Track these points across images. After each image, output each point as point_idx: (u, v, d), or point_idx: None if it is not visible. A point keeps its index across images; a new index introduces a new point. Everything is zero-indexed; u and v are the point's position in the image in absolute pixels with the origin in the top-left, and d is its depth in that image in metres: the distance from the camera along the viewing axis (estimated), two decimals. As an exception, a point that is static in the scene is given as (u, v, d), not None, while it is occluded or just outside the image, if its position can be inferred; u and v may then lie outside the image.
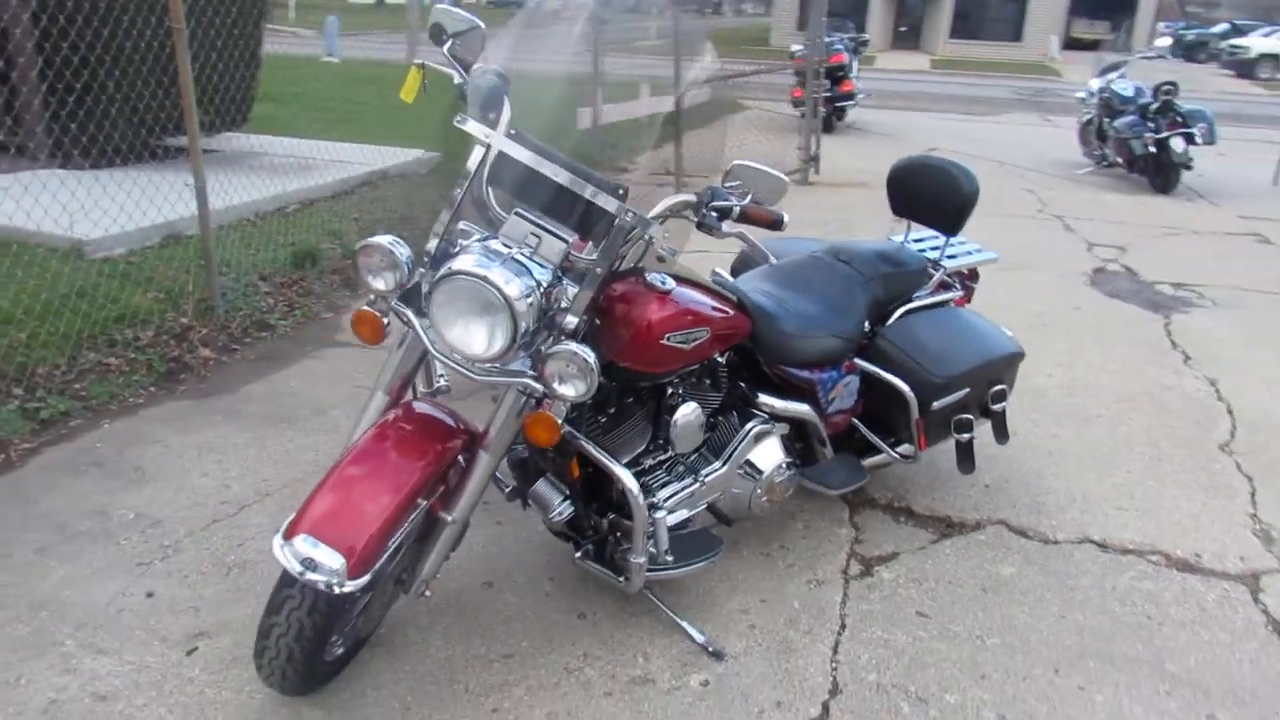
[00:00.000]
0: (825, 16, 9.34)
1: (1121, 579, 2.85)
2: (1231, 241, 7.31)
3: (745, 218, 2.21)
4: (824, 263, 2.93)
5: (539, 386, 2.07)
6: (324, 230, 5.72)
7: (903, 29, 34.94)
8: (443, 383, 2.62)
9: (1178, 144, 8.82)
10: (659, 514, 2.30)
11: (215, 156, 6.88)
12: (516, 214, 2.17)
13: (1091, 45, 39.29)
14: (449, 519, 2.17)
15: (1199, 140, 8.78)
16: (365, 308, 2.16)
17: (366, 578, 1.95)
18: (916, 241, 3.28)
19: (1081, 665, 2.47)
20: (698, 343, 2.33)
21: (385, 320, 2.16)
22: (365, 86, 12.69)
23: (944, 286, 3.13)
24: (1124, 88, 9.83)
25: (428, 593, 2.26)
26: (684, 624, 2.53)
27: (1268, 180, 9.87)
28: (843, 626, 2.60)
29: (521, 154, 2.09)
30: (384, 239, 2.07)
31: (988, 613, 2.67)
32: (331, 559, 1.90)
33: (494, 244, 2.09)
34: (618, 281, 2.23)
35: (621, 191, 2.07)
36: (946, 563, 2.91)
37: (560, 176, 2.06)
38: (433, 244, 2.14)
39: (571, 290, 2.12)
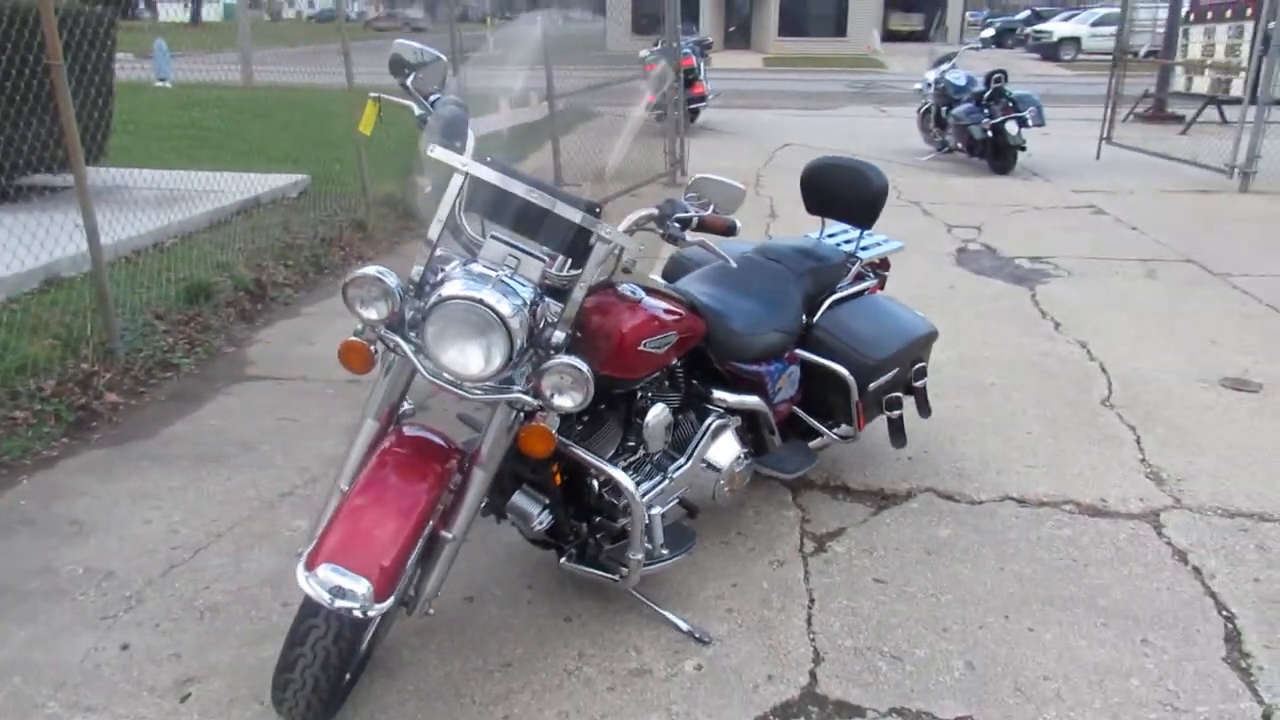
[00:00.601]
0: (679, 23, 9.60)
1: (1043, 529, 3.15)
2: (1071, 215, 7.97)
3: (703, 226, 2.36)
4: (756, 262, 3.11)
5: (532, 400, 2.16)
6: (210, 263, 5.55)
7: (731, 29, 36.03)
8: (408, 406, 2.67)
9: (1012, 127, 9.52)
10: (654, 510, 2.42)
11: (73, 194, 6.54)
12: (493, 237, 2.25)
13: (908, 37, 41.57)
14: (449, 537, 2.23)
15: (1030, 123, 9.50)
16: (353, 338, 2.20)
17: (391, 599, 2.01)
18: (830, 236, 3.50)
19: (1026, 610, 2.73)
20: (668, 347, 2.47)
21: (373, 349, 2.21)
22: (208, 111, 12.21)
23: (859, 277, 3.36)
24: (957, 77, 10.52)
25: (431, 610, 2.32)
26: (668, 614, 2.66)
27: (1091, 156, 10.75)
28: (811, 600, 2.78)
29: (498, 179, 2.17)
30: (373, 269, 2.12)
31: (936, 572, 2.91)
32: (358, 584, 1.94)
33: (476, 268, 2.17)
34: (591, 294, 2.33)
35: (597, 209, 2.18)
36: (889, 531, 3.14)
37: (538, 198, 2.15)
38: (417, 271, 2.20)
39: (554, 306, 2.22)
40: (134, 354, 4.41)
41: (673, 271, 3.32)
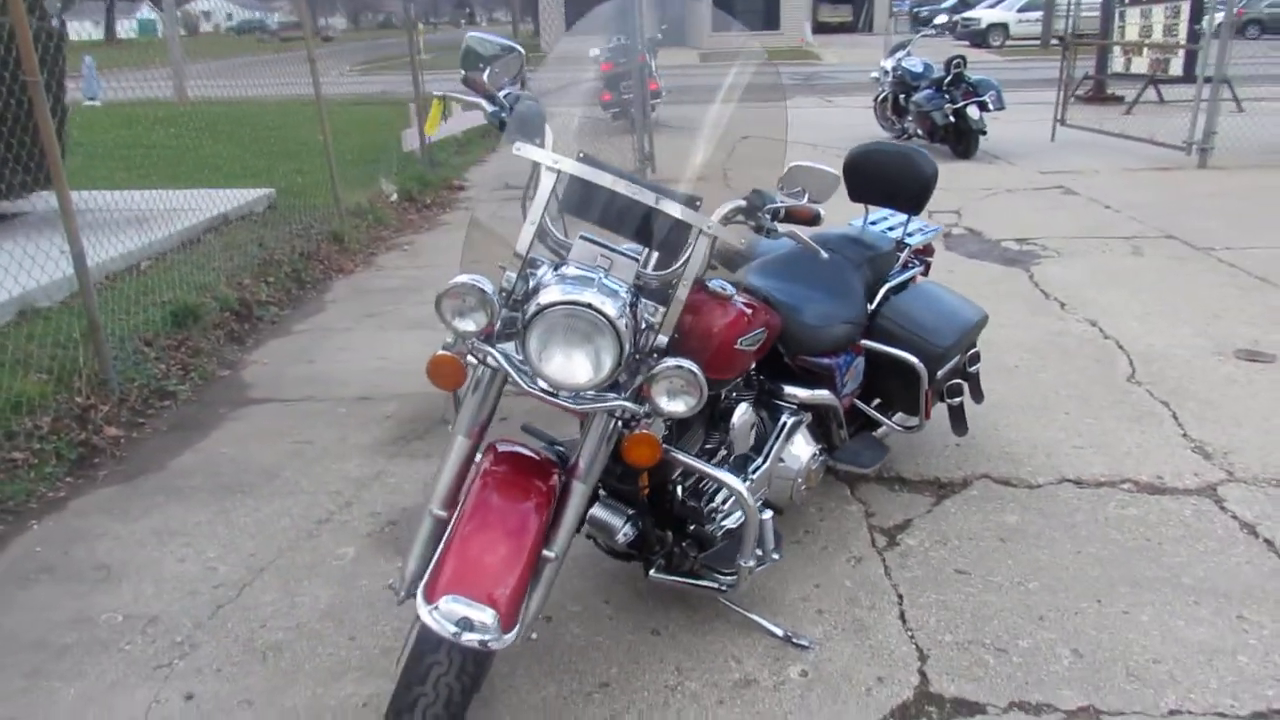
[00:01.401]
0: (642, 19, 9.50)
1: (1108, 509, 3.12)
2: (1043, 196, 8.06)
3: (790, 216, 2.27)
4: (795, 252, 3.03)
5: (637, 407, 2.05)
6: (190, 285, 5.31)
7: (664, 26, 36.06)
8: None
9: (973, 112, 9.61)
10: (765, 515, 2.32)
11: (33, 219, 6.23)
12: (582, 238, 2.14)
13: (838, 28, 42.01)
14: (550, 556, 2.10)
15: (991, 107, 9.61)
16: (442, 352, 2.06)
17: (517, 628, 1.88)
18: (873, 224, 3.44)
19: (1116, 592, 2.69)
20: (759, 344, 2.38)
21: (464, 363, 2.07)
22: (151, 130, 11.79)
23: (906, 264, 3.30)
24: (914, 65, 10.61)
25: (534, 635, 2.19)
26: (761, 621, 2.56)
27: (1045, 138, 10.92)
28: (899, 596, 2.71)
29: (594, 174, 2.05)
30: (467, 278, 1.99)
31: (1015, 560, 2.86)
32: (484, 615, 1.81)
33: (571, 270, 2.06)
34: (683, 291, 2.23)
35: (697, 203, 2.07)
36: (956, 521, 3.08)
37: (636, 193, 2.04)
38: (509, 279, 2.07)
39: (653, 307, 2.11)
40: (128, 384, 4.18)
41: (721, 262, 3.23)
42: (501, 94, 2.29)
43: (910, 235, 3.37)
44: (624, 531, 2.35)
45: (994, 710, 2.27)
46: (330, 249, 6.51)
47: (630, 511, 2.36)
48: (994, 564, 2.84)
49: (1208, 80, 8.98)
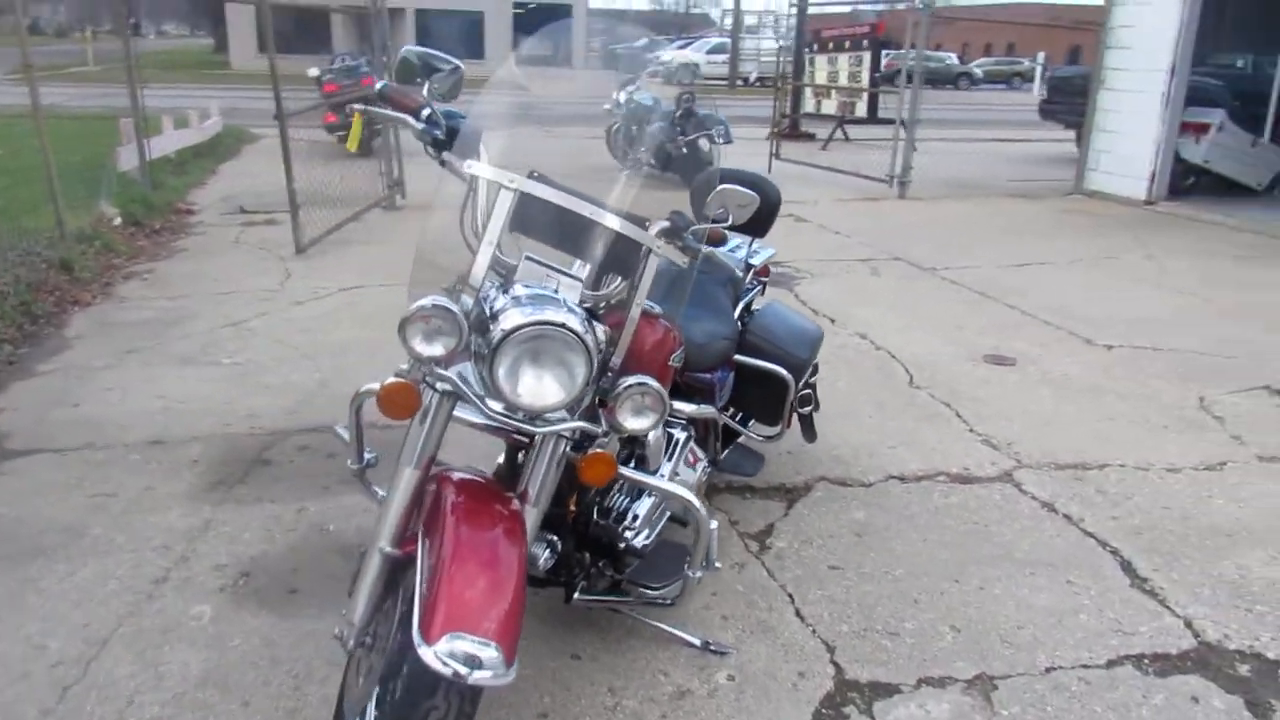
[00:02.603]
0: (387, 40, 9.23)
1: (934, 500, 3.48)
2: (779, 223, 8.71)
3: (707, 238, 2.37)
4: (687, 273, 3.13)
5: (598, 427, 2.06)
6: (-102, 321, 4.51)
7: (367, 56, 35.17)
8: (370, 457, 2.43)
9: (704, 144, 10.24)
10: (713, 524, 2.37)
11: None
12: (528, 258, 2.11)
13: (541, 60, 42.68)
14: (511, 585, 2.04)
15: (719, 140, 10.29)
16: (396, 379, 1.95)
17: (516, 662, 1.80)
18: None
19: (967, 572, 3.02)
20: (680, 361, 2.44)
21: (419, 390, 1.97)
22: None
23: (749, 285, 3.50)
24: (644, 98, 11.09)
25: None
26: (678, 632, 2.62)
27: (762, 170, 11.83)
28: (790, 596, 2.87)
29: (551, 194, 2.04)
30: (436, 299, 1.89)
31: (875, 552, 3.12)
32: (490, 651, 1.73)
33: (524, 291, 2.03)
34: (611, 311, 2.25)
35: (646, 224, 2.12)
36: (812, 521, 3.31)
37: (594, 214, 2.05)
38: (466, 303, 2.00)
39: (599, 328, 2.12)
40: None
41: None
42: (424, 112, 2.21)
43: (753, 256, 3.57)
44: (544, 558, 2.32)
45: (906, 688, 2.48)
46: (59, 278, 5.76)
47: (551, 537, 2.33)
48: (859, 557, 3.08)
49: (903, 123, 10.17)
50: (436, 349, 1.91)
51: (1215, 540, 3.24)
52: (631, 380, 2.02)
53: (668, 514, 2.67)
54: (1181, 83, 9.57)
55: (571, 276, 2.12)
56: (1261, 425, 4.24)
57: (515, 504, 2.05)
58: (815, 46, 16.03)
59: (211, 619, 2.69)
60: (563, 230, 2.11)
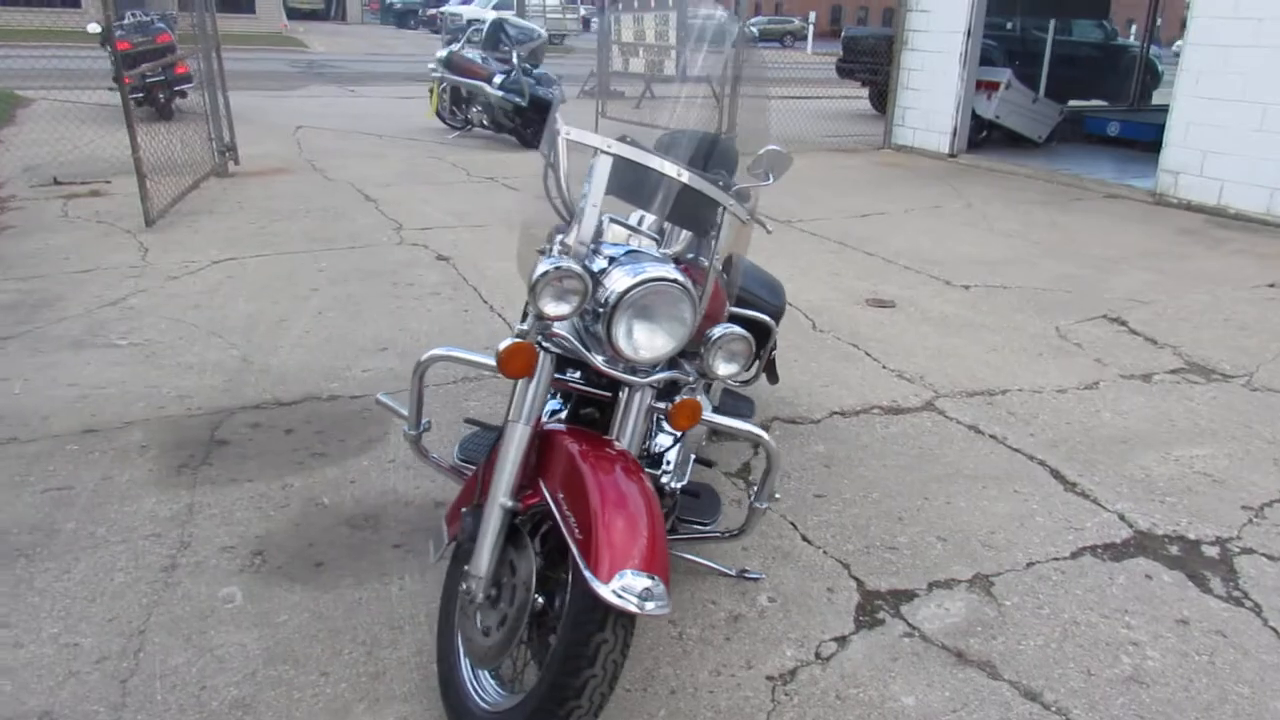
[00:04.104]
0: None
1: (877, 431, 3.84)
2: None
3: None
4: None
5: (691, 375, 2.21)
6: None
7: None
8: (426, 421, 2.50)
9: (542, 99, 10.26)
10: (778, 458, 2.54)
11: None
12: (612, 220, 2.23)
13: (309, 15, 40.71)
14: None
15: (559, 99, 10.32)
16: (516, 340, 2.02)
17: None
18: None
19: (930, 490, 3.39)
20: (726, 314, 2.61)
21: (538, 350, 2.06)
22: None
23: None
24: (473, 56, 10.98)
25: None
26: (716, 565, 2.82)
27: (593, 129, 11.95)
28: (793, 524, 3.12)
29: (645, 158, 2.15)
30: (564, 261, 1.98)
31: (847, 479, 3.43)
32: (657, 584, 1.87)
33: (613, 251, 2.14)
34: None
35: (721, 184, 2.27)
36: (782, 458, 3.57)
37: (684, 176, 2.18)
38: (590, 260, 2.09)
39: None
40: None
41: None
42: (505, 77, 2.25)
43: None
44: None
45: (921, 592, 2.80)
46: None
47: None
48: (836, 486, 3.38)
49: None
50: (564, 308, 2.00)
51: (1115, 447, 3.77)
52: (723, 329, 2.18)
53: (692, 458, 2.85)
54: (976, 44, 10.50)
55: (649, 235, 2.25)
56: (1113, 348, 4.89)
57: (621, 449, 2.18)
58: (620, 5, 16.24)
59: (246, 599, 2.63)
60: (638, 189, 2.23)
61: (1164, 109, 8.84)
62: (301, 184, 8.13)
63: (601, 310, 2.04)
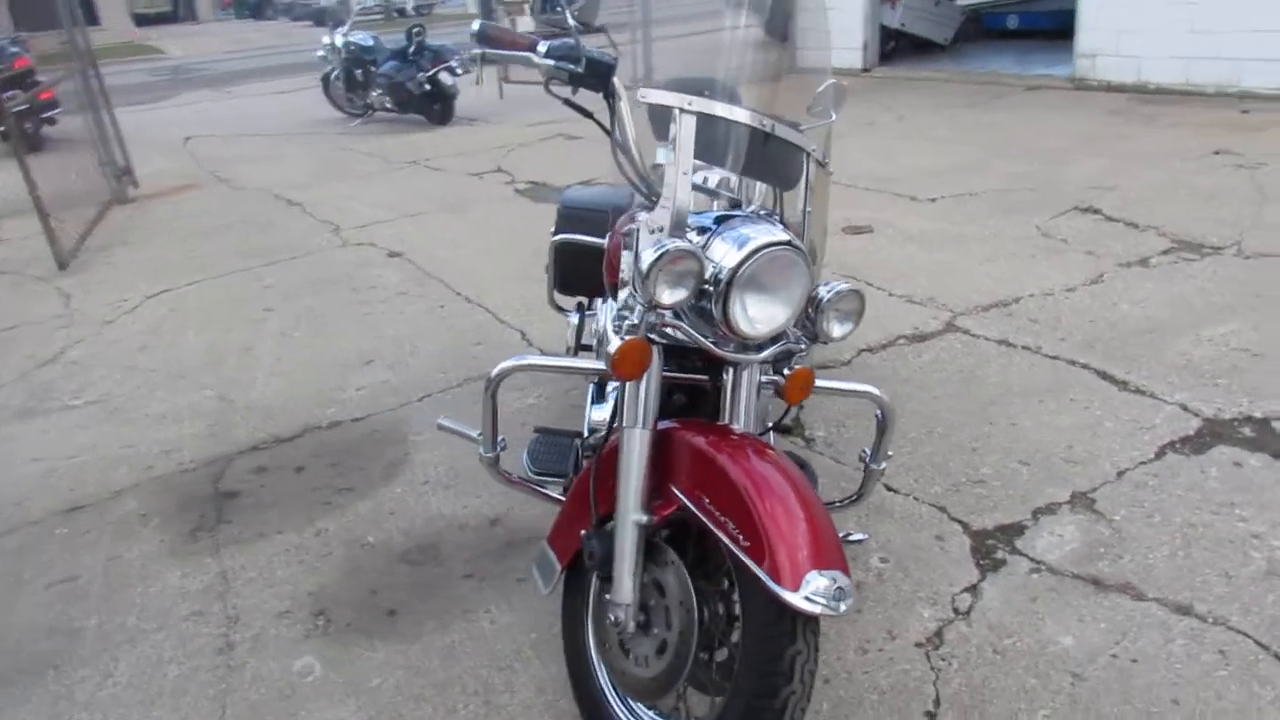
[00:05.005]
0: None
1: (911, 362, 3.70)
2: (551, 146, 8.62)
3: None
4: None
5: (803, 343, 2.01)
6: None
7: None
8: (502, 440, 2.25)
9: (445, 78, 9.80)
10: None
11: None
12: (695, 187, 1.99)
13: (157, 19, 38.65)
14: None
15: (460, 71, 9.88)
16: (630, 338, 1.79)
17: (852, 583, 1.76)
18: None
19: (992, 413, 3.27)
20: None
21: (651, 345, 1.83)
22: None
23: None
24: (364, 39, 10.42)
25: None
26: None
27: (495, 97, 11.54)
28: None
29: (732, 111, 1.91)
30: (675, 242, 1.74)
31: (904, 417, 3.27)
32: (844, 579, 1.67)
33: (699, 222, 1.92)
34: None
35: (800, 129, 2.05)
36: (828, 407, 3.41)
37: (768, 125, 1.95)
38: (694, 236, 1.86)
39: None
40: None
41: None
42: (541, 48, 1.98)
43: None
44: None
45: (1029, 522, 2.67)
46: None
47: None
48: (898, 427, 3.24)
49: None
50: (681, 293, 1.77)
51: (1146, 338, 3.71)
52: (831, 288, 1.97)
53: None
54: (873, -45, 10.38)
55: (729, 196, 2.04)
56: (1099, 238, 4.85)
57: (744, 433, 1.97)
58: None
59: (326, 668, 2.36)
60: (710, 145, 1.99)
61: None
62: (212, 198, 7.59)
63: (712, 289, 1.81)
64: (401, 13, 31.23)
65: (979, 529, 2.66)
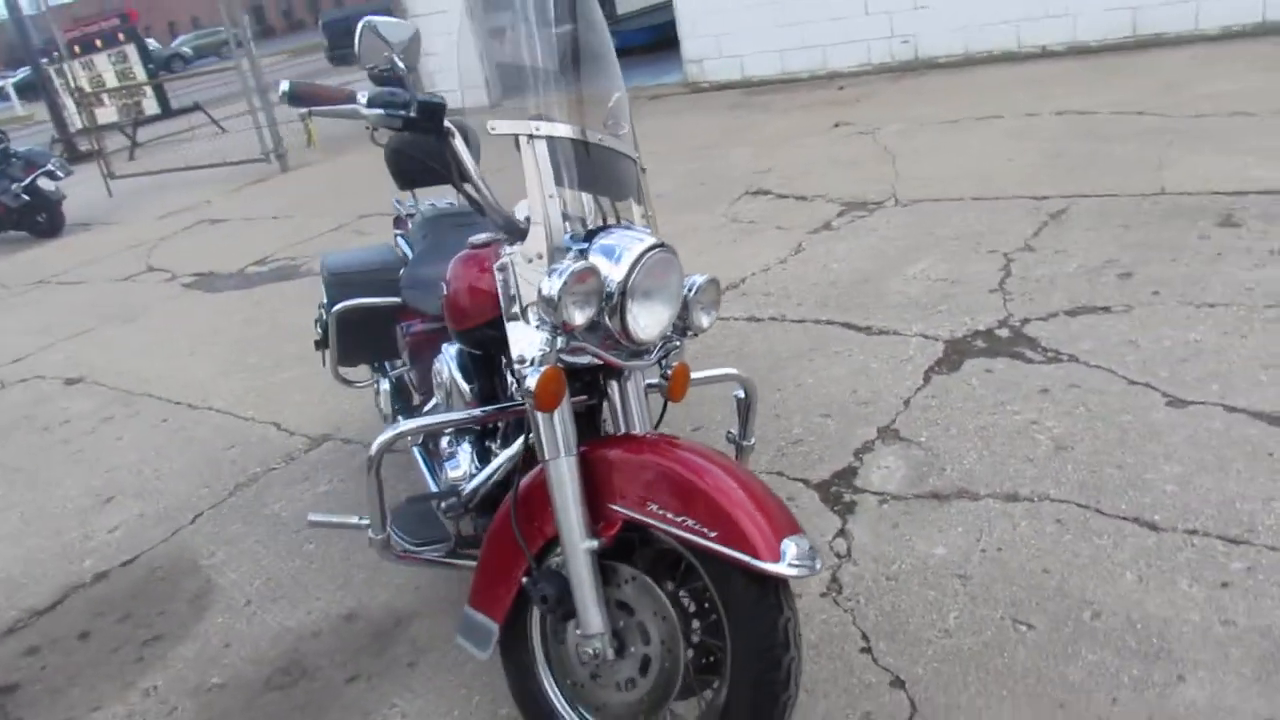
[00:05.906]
0: None
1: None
2: (202, 231, 7.97)
3: None
4: (447, 223, 2.96)
5: (678, 340, 2.07)
6: None
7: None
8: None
9: (47, 183, 8.72)
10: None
11: None
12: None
13: None
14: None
15: (61, 175, 8.83)
16: (545, 367, 1.76)
17: (805, 547, 1.84)
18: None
19: (776, 379, 3.52)
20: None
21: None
22: None
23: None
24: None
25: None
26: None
27: (104, 196, 10.42)
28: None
29: (574, 132, 1.92)
30: (581, 261, 1.73)
31: (702, 409, 3.44)
32: (805, 538, 1.75)
33: (562, 243, 1.94)
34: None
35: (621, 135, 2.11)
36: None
37: (612, 143, 1.99)
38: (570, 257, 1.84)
39: None
40: None
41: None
42: (361, 97, 1.87)
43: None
44: None
45: (855, 462, 2.92)
46: None
47: None
48: (695, 418, 3.39)
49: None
50: (589, 311, 1.77)
51: (865, 287, 4.18)
52: (697, 279, 2.04)
53: None
54: None
55: (577, 216, 2.06)
56: (781, 214, 5.37)
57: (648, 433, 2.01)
58: (58, 55, 14.11)
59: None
60: (558, 164, 2.00)
61: (647, 11, 9.71)
62: None
63: (604, 304, 1.82)
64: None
65: (819, 481, 2.87)
